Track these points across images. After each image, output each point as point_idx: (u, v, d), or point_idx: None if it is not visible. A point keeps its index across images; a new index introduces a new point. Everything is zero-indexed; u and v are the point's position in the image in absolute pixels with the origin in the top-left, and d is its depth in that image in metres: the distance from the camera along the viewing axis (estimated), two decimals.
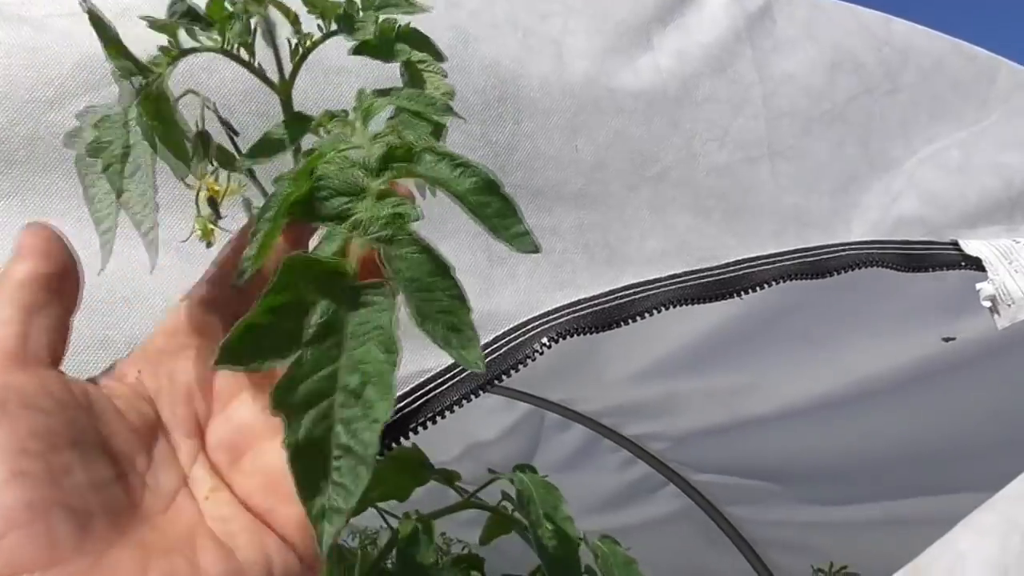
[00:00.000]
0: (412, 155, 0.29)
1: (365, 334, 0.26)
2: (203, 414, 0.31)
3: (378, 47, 0.42)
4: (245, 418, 0.30)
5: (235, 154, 0.46)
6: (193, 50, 0.40)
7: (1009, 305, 0.66)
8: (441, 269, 0.26)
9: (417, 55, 0.44)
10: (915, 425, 1.25)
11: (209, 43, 0.40)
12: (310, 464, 0.24)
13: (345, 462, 0.24)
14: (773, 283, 0.62)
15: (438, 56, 0.44)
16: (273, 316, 0.25)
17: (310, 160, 0.29)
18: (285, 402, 0.24)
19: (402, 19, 0.43)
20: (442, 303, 0.26)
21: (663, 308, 0.58)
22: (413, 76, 0.44)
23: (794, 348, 1.23)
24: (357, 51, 0.41)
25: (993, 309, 0.67)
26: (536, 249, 0.28)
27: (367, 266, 0.26)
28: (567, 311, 0.53)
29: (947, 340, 1.11)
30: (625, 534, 2.11)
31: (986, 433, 1.12)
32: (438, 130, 0.39)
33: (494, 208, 0.28)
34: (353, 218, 0.27)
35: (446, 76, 0.45)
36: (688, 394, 1.47)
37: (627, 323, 0.57)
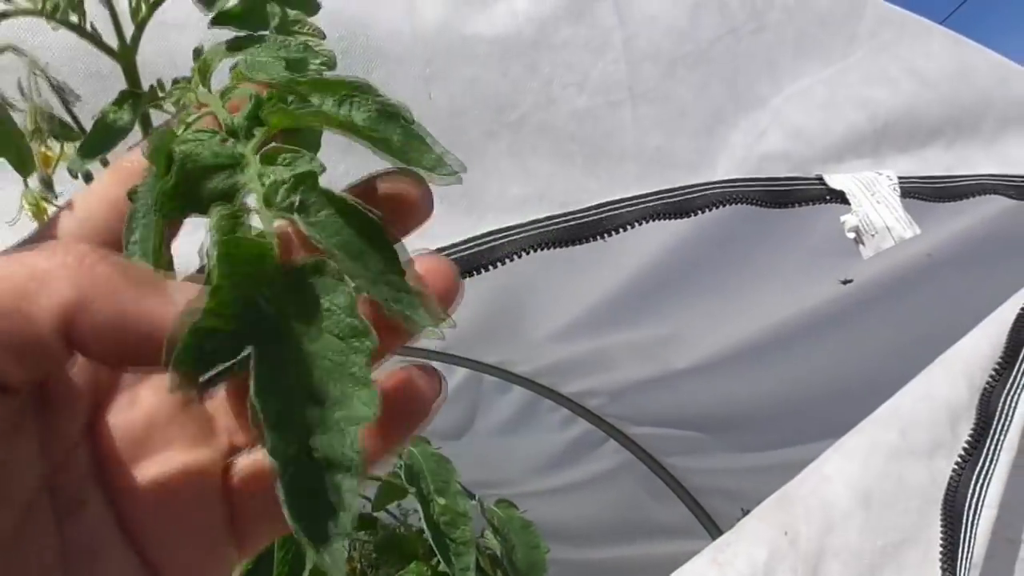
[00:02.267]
0: (285, 99, 0.25)
1: (316, 323, 0.22)
2: (104, 385, 0.23)
3: (243, 15, 0.37)
4: (151, 406, 0.23)
5: (72, 125, 0.44)
6: (4, 15, 0.38)
7: (872, 235, 0.68)
8: (370, 228, 0.23)
9: (291, 13, 0.39)
10: (829, 367, 1.28)
11: (26, 3, 0.38)
12: (294, 485, 0.20)
13: (332, 477, 0.20)
14: (637, 224, 0.62)
15: (312, 6, 0.40)
16: (218, 318, 0.20)
17: (164, 140, 0.25)
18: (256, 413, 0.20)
19: None
20: (378, 266, 0.23)
21: (525, 253, 0.59)
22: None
23: (711, 298, 1.25)
24: (217, 22, 0.36)
25: (857, 239, 0.69)
26: (457, 178, 0.24)
27: (286, 242, 0.22)
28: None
29: (845, 282, 1.14)
30: (571, 491, 2.14)
31: (891, 369, 1.15)
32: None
33: (398, 139, 0.24)
34: (242, 193, 0.23)
35: (324, 37, 0.40)
36: (616, 349, 1.49)
37: (487, 269, 0.57)
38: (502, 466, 2.02)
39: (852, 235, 0.68)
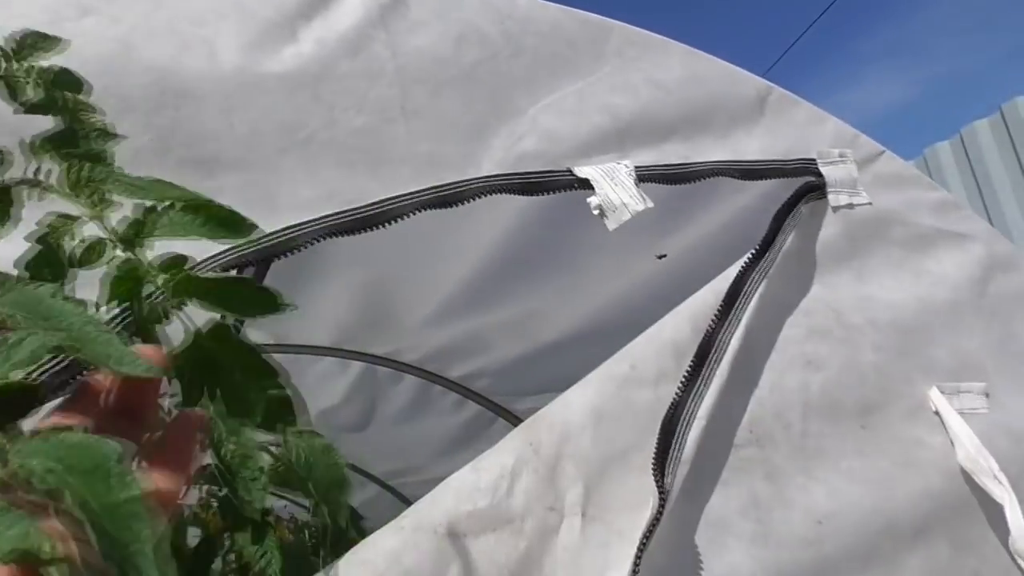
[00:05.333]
0: None
1: None
2: None
3: (44, 104, 0.49)
4: None
5: None
6: None
7: (613, 211, 0.85)
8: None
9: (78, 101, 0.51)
10: None
11: None
12: None
13: None
14: (412, 214, 0.79)
15: (80, 87, 0.52)
16: None
17: None
18: None
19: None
20: None
21: (317, 240, 0.74)
22: (73, 121, 0.51)
23: (560, 275, 1.41)
24: (28, 111, 0.49)
25: (602, 215, 0.86)
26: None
27: None
28: (229, 252, 0.69)
29: (660, 257, 1.32)
30: None
31: None
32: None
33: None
34: None
35: (104, 114, 0.52)
36: (489, 329, 1.65)
37: (287, 255, 0.73)
38: (409, 453, 2.16)
39: (597, 212, 0.85)
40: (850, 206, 1.01)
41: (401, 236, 0.78)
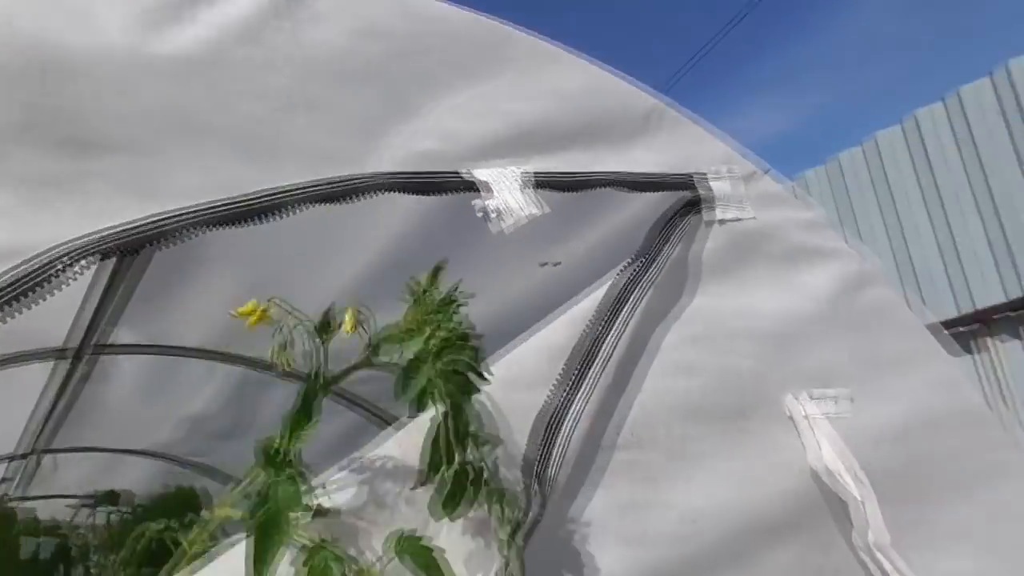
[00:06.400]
0: None
1: None
2: None
3: None
4: None
5: None
6: None
7: (509, 214, 0.87)
8: None
9: None
10: None
11: None
12: None
13: None
14: (301, 207, 0.78)
15: None
16: None
17: None
18: None
19: None
20: None
21: (195, 230, 0.72)
22: None
23: (452, 281, 1.41)
24: None
25: (498, 218, 0.87)
26: None
27: None
28: (94, 233, 0.66)
29: (554, 265, 1.34)
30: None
31: None
32: None
33: None
34: None
35: None
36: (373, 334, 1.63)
37: (161, 246, 0.70)
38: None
39: (483, 215, 0.86)
40: (736, 220, 1.06)
41: (287, 234, 0.76)
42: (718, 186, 1.05)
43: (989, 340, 2.80)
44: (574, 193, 0.95)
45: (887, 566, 0.91)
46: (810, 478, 0.96)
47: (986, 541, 1.16)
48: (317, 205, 0.79)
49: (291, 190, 0.77)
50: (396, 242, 1.20)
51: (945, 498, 1.12)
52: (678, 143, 1.06)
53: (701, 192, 1.04)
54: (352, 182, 0.81)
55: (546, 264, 1.25)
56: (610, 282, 0.92)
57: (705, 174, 1.06)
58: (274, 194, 0.76)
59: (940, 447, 1.15)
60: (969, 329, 2.87)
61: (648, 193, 1.02)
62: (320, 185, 0.79)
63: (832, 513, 0.96)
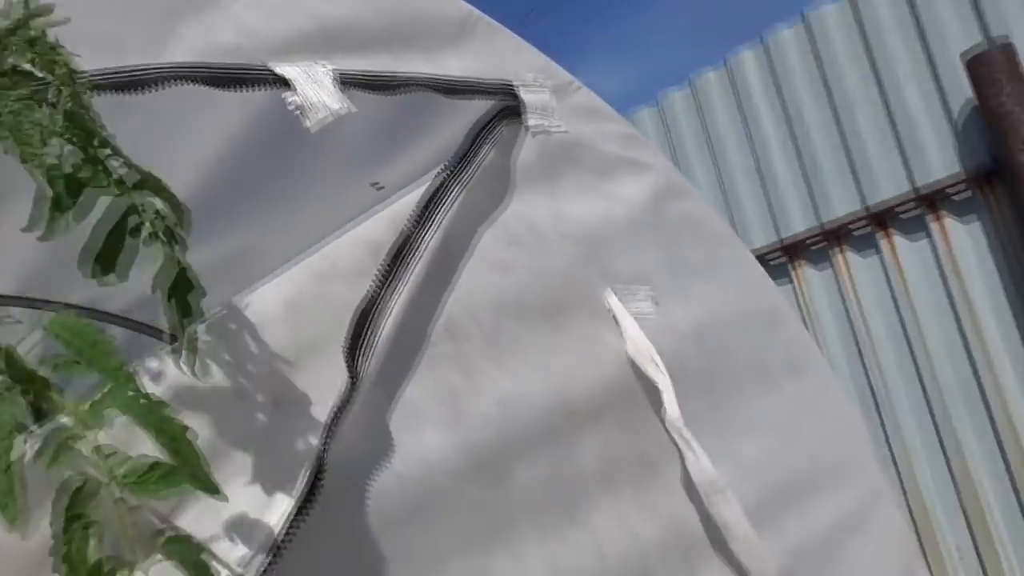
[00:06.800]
0: None
1: None
2: None
3: None
4: None
5: None
6: None
7: (314, 111, 0.85)
8: None
9: None
10: None
11: None
12: None
13: None
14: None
15: None
16: None
17: None
18: None
19: None
20: None
21: None
22: None
23: (277, 208, 1.38)
24: None
25: (303, 114, 0.85)
26: None
27: None
28: None
29: (378, 188, 1.33)
30: None
31: None
32: None
33: None
34: None
35: None
36: (197, 271, 1.56)
37: None
38: None
39: (295, 110, 0.85)
40: (547, 132, 1.10)
41: None
42: (528, 96, 1.08)
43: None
44: (391, 96, 0.95)
45: (681, 444, 0.99)
46: (618, 368, 1.02)
47: (783, 429, 1.28)
48: (106, 94, 0.75)
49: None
50: (218, 167, 1.16)
51: (746, 390, 1.23)
52: (493, 52, 1.08)
53: (519, 100, 1.07)
54: (140, 72, 0.77)
55: (381, 187, 1.24)
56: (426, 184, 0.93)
57: (519, 83, 1.09)
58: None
59: (743, 344, 1.25)
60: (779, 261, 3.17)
61: (467, 102, 1.04)
62: (107, 74, 0.75)
63: (638, 400, 1.03)
